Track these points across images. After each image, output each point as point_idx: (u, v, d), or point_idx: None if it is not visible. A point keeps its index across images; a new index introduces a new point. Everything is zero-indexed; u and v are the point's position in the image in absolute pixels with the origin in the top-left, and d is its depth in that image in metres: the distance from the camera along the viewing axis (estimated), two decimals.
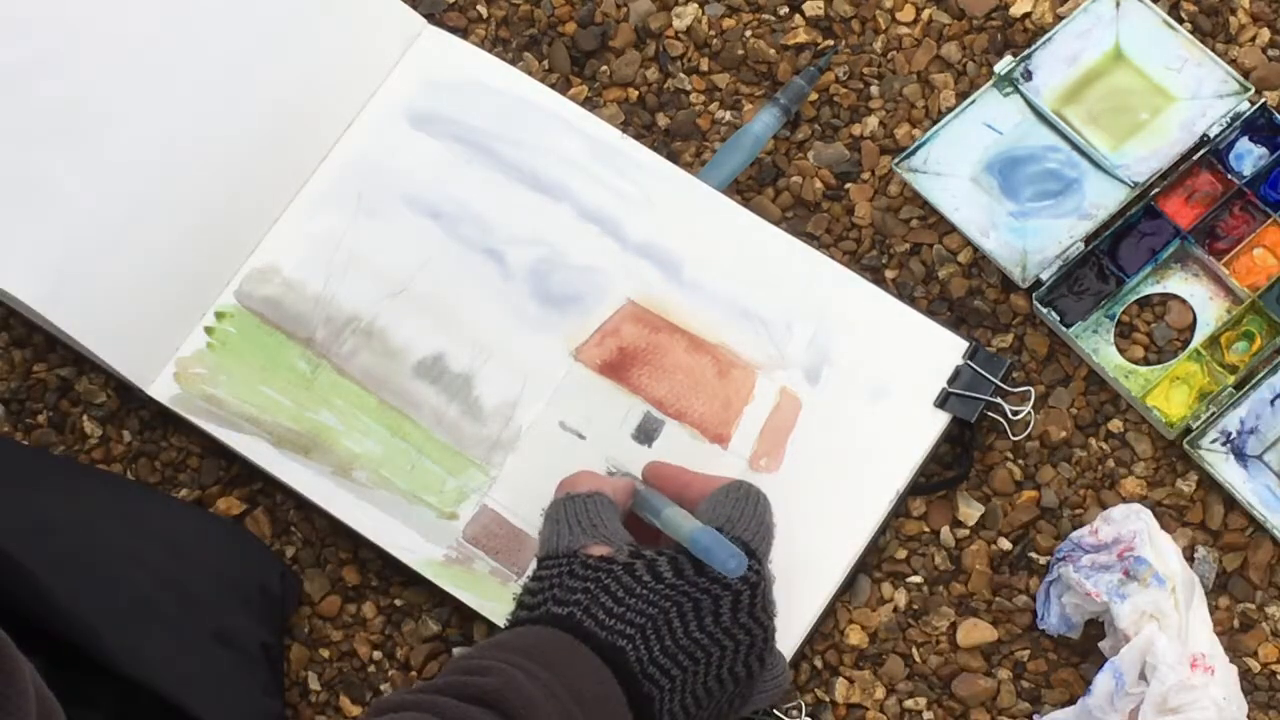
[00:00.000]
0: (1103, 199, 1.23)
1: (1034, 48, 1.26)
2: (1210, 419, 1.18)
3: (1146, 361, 1.21)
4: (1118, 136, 1.24)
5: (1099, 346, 1.21)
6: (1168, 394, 1.19)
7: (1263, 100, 1.24)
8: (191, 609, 1.13)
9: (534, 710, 0.96)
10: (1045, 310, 1.21)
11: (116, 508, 1.17)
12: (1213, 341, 1.20)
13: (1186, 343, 1.21)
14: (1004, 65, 1.25)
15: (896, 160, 1.24)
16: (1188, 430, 1.18)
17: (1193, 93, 1.24)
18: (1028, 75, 1.26)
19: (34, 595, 1.08)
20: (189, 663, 1.11)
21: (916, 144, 1.24)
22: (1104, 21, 1.26)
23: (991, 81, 1.25)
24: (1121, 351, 1.21)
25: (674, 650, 1.02)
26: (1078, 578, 1.13)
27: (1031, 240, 1.22)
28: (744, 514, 1.07)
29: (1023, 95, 1.25)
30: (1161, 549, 1.12)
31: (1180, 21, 1.27)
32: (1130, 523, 1.13)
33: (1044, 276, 1.21)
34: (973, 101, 1.25)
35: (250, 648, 1.14)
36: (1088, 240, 1.22)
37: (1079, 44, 1.26)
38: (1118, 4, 1.26)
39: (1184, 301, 1.22)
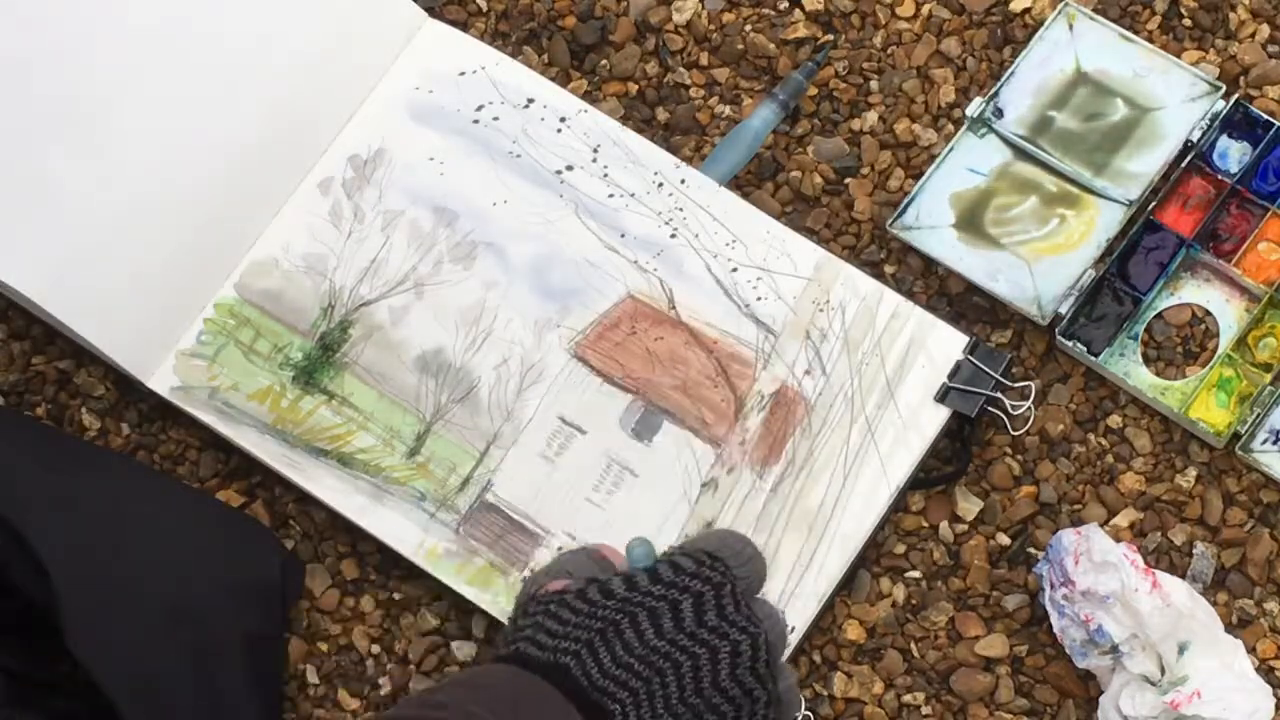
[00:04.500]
0: (1101, 222, 1.23)
1: (999, 84, 1.25)
2: (1256, 421, 1.18)
3: (1180, 375, 1.20)
4: (1100, 157, 1.23)
5: (1129, 369, 1.20)
6: (1208, 404, 1.19)
7: (1236, 95, 1.24)
8: (166, 597, 1.12)
9: None
10: (1070, 343, 1.20)
11: (113, 486, 1.17)
12: (1240, 343, 1.20)
13: (1214, 349, 1.20)
14: (974, 107, 1.24)
15: (890, 221, 1.23)
16: (1236, 437, 1.18)
17: (1164, 101, 1.24)
18: (999, 113, 1.24)
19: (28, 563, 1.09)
20: (136, 656, 1.10)
21: (905, 201, 1.23)
22: (1061, 46, 1.26)
23: (966, 126, 1.24)
24: (1152, 370, 1.20)
25: (628, 660, 0.98)
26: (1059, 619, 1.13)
27: (1040, 277, 1.21)
28: (705, 535, 1.04)
29: (997, 134, 1.24)
30: (1136, 607, 1.11)
31: (1180, 18, 1.28)
32: (1106, 580, 1.11)
33: (1063, 310, 1.20)
34: (951, 149, 1.24)
35: (227, 642, 1.13)
36: (1096, 265, 1.21)
37: (1042, 72, 1.25)
38: (1071, 26, 1.26)
39: (1203, 308, 1.22)
